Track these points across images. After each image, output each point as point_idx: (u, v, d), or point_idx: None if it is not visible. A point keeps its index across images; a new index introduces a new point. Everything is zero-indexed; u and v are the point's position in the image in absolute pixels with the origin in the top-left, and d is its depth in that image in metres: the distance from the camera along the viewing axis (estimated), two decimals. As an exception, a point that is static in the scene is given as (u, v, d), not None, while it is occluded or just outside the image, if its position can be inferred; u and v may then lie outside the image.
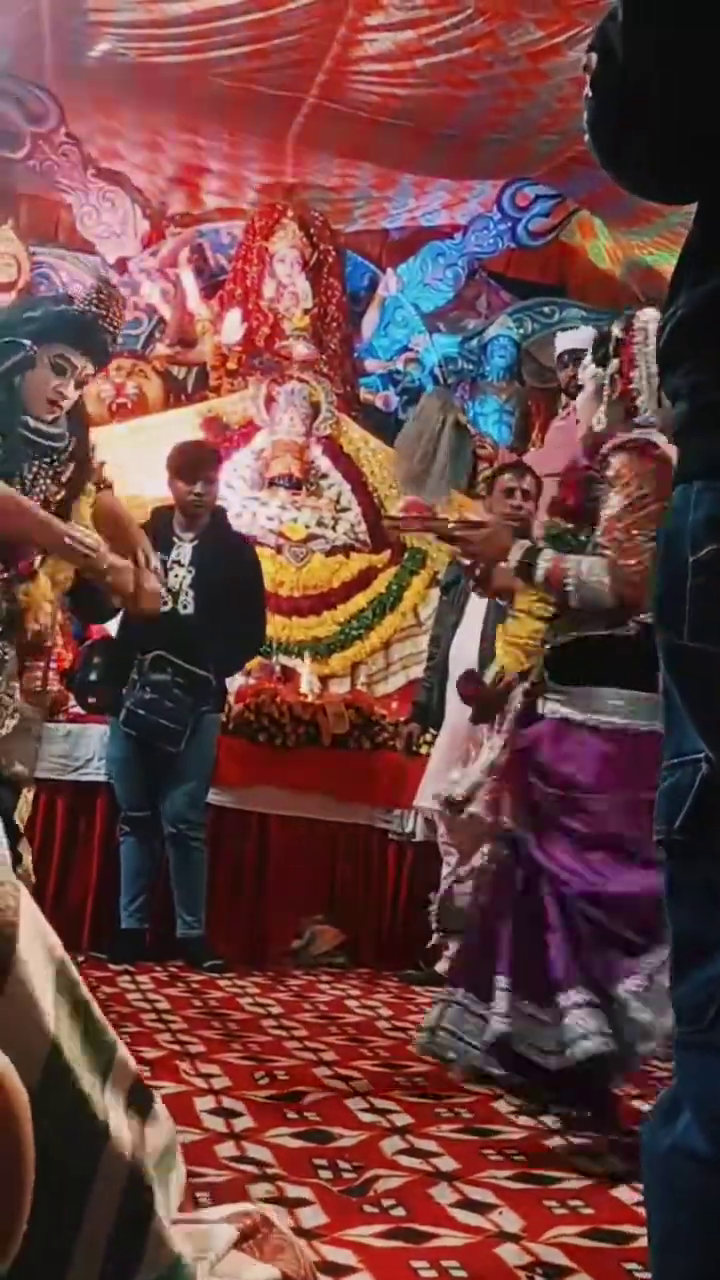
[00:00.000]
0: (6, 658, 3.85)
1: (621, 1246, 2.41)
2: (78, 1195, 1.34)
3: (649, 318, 3.43)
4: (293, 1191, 2.64)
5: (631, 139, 1.30)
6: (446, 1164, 2.90)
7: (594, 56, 1.28)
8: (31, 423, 3.86)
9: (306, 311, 7.47)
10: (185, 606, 5.30)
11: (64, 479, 3.99)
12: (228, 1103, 3.29)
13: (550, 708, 3.44)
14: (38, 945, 1.36)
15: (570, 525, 3.39)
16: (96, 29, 6.42)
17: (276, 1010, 4.55)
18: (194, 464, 5.45)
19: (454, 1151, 3.00)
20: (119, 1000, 4.49)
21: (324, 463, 7.29)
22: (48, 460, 3.96)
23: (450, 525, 3.87)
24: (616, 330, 3.50)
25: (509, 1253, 2.38)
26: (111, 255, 7.60)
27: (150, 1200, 1.42)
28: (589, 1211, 2.63)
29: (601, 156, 1.35)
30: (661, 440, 3.27)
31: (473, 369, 8.27)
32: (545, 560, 3.31)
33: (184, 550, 5.37)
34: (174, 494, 5.47)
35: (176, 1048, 3.85)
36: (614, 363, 3.44)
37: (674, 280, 1.32)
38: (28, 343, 3.80)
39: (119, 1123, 1.40)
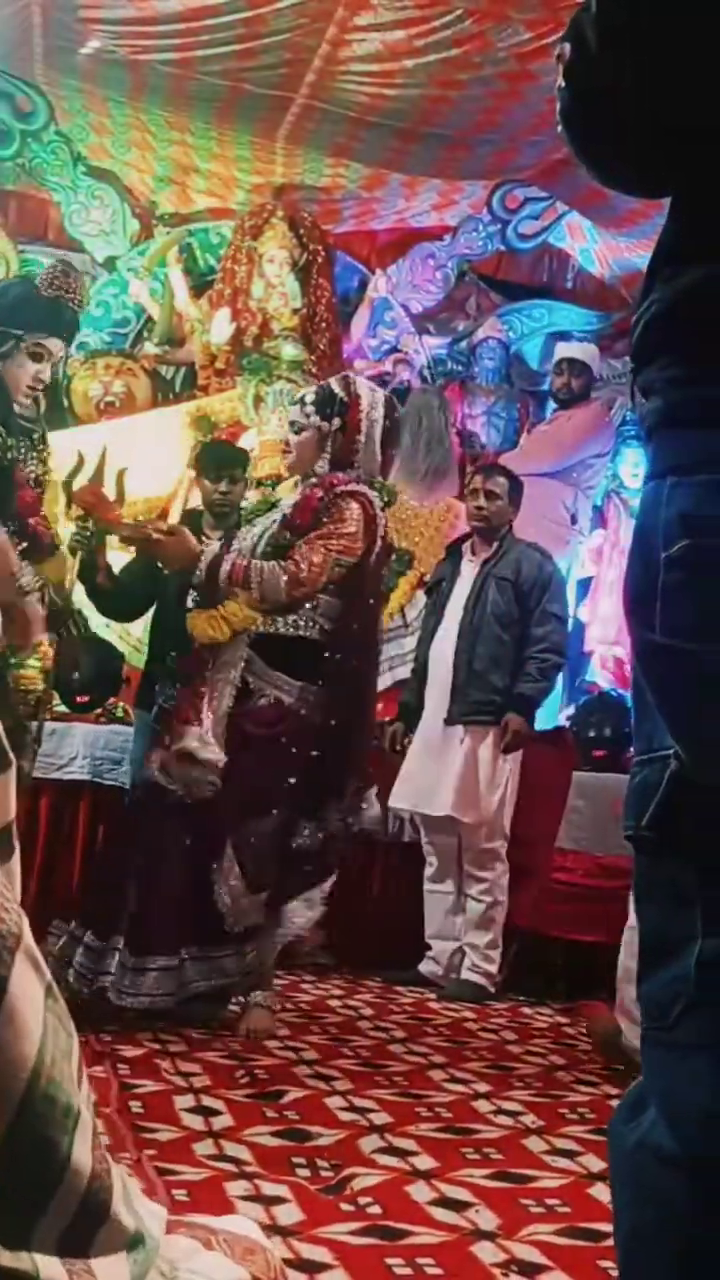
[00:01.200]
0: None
1: (597, 1244, 2.41)
2: (28, 1219, 1.36)
3: (367, 388, 4.34)
4: (270, 1189, 2.63)
5: (605, 130, 1.30)
6: (424, 1162, 2.90)
7: (567, 47, 1.27)
8: (17, 408, 4.03)
9: (295, 312, 7.45)
10: None
11: (46, 459, 4.20)
12: (207, 1101, 3.29)
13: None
14: (31, 980, 1.38)
15: (292, 539, 4.14)
16: (86, 26, 6.41)
17: (259, 1009, 4.54)
18: (218, 462, 5.44)
19: (432, 1150, 3.00)
20: (100, 999, 4.47)
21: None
22: (28, 441, 4.13)
23: (145, 530, 4.27)
24: (339, 390, 4.29)
25: (485, 1250, 2.38)
26: (100, 254, 7.59)
27: (106, 1200, 1.42)
28: (566, 1210, 2.64)
29: (576, 148, 1.34)
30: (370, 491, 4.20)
31: (462, 371, 8.27)
32: (227, 562, 4.11)
33: (211, 549, 5.34)
34: (201, 493, 5.48)
35: (157, 1046, 3.84)
36: (338, 420, 4.25)
37: (648, 276, 1.31)
38: (20, 332, 4.01)
39: (81, 1154, 1.41)
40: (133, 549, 4.45)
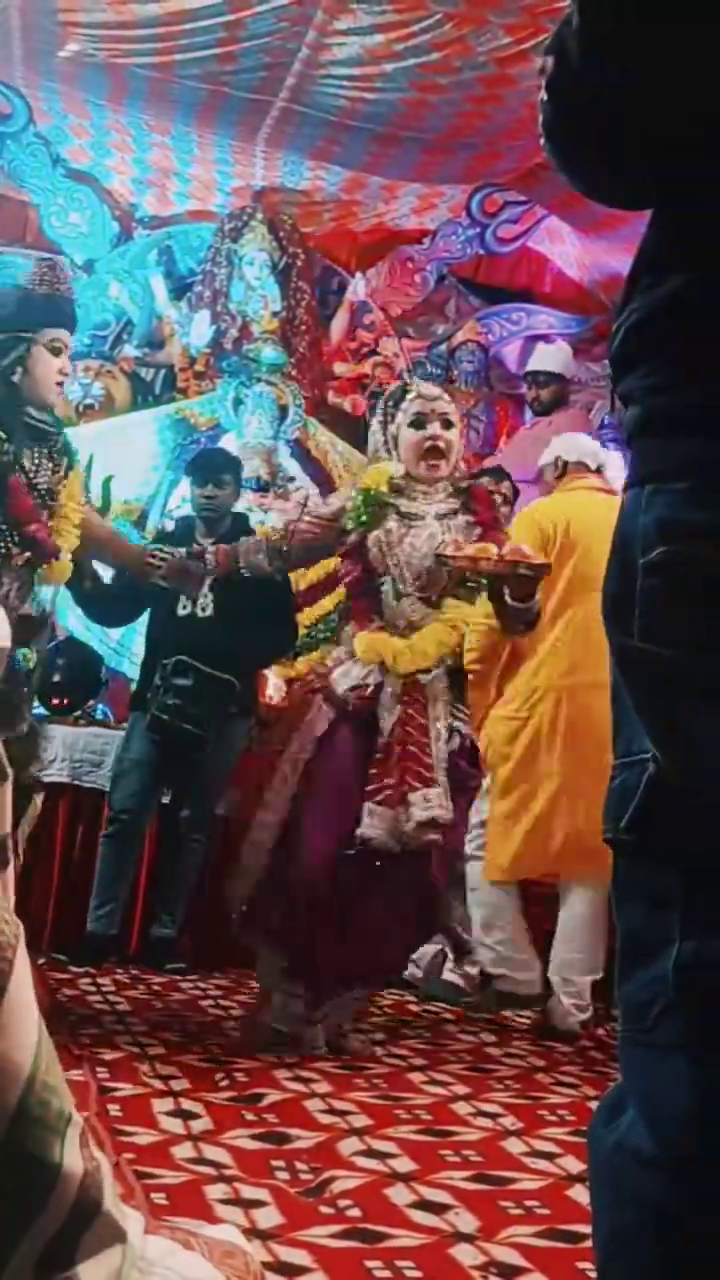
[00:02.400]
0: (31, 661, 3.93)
1: (576, 1246, 2.42)
2: (21, 1226, 1.37)
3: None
4: (249, 1193, 2.63)
5: (588, 142, 1.31)
6: (404, 1165, 2.91)
7: (549, 60, 1.28)
8: (34, 411, 4.03)
9: (275, 314, 7.46)
10: (205, 610, 5.26)
11: (60, 465, 4.13)
12: (186, 1105, 3.29)
13: None
14: (25, 988, 1.39)
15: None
16: (66, 29, 6.40)
17: (238, 1013, 4.54)
18: (204, 467, 5.46)
19: (411, 1152, 3.00)
20: (79, 1002, 4.48)
21: (292, 465, 7.29)
22: (44, 447, 4.09)
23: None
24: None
25: (464, 1253, 2.39)
26: (80, 256, 7.58)
27: (98, 1198, 1.43)
28: (545, 1212, 2.64)
29: (559, 160, 1.35)
30: None
31: (440, 374, 8.27)
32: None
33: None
34: (192, 498, 5.52)
35: (136, 1050, 3.84)
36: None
37: (628, 284, 1.32)
38: (30, 335, 4.00)
39: (72, 1158, 1.41)
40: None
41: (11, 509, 3.95)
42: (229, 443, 7.06)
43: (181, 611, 5.25)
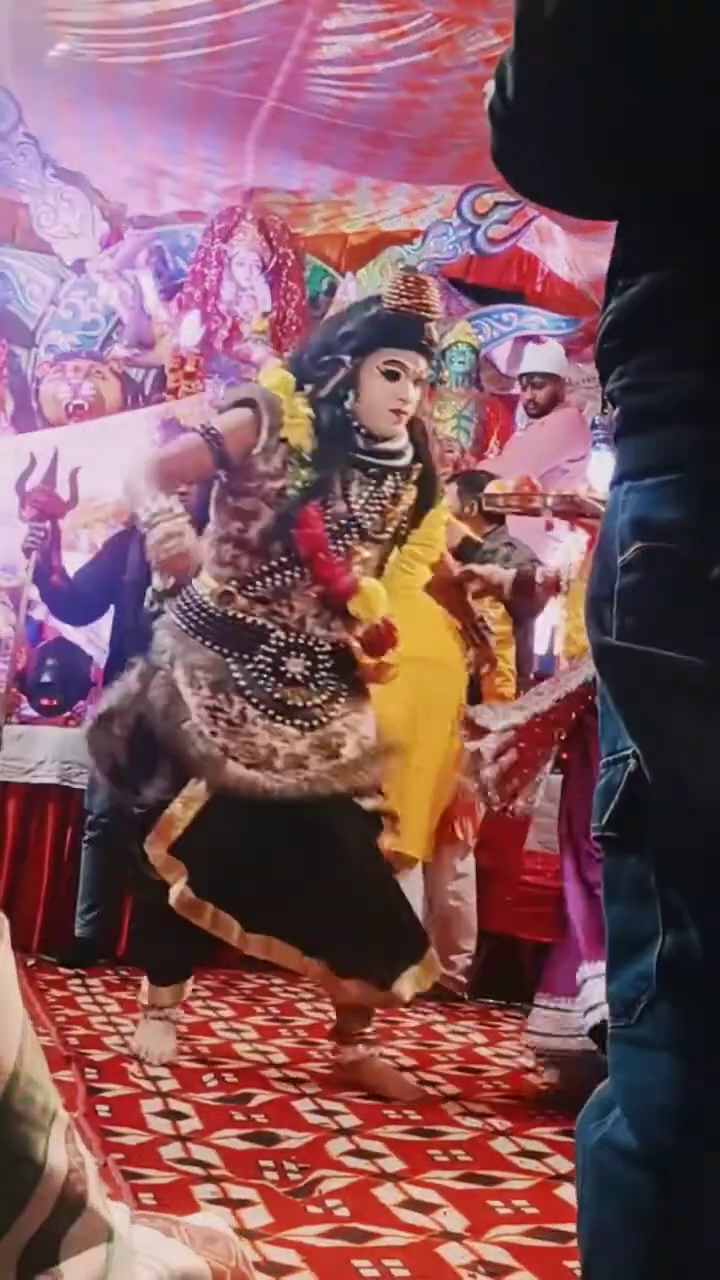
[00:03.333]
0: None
1: (564, 1245, 2.42)
2: (3, 1222, 1.36)
3: None
4: (237, 1193, 2.63)
5: (532, 165, 1.32)
6: (392, 1164, 2.91)
7: (492, 85, 1.29)
8: (362, 444, 3.67)
9: (265, 315, 7.46)
10: None
11: (400, 498, 3.78)
12: (175, 1105, 3.29)
13: None
14: (9, 982, 1.38)
15: None
16: (56, 28, 6.39)
17: (227, 1013, 4.53)
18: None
19: (400, 1152, 3.00)
20: (68, 1003, 4.47)
21: (283, 465, 7.28)
22: (382, 482, 3.74)
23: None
24: None
25: (452, 1252, 2.39)
26: (69, 256, 7.57)
27: (83, 1192, 1.42)
28: (533, 1211, 2.64)
29: (513, 184, 1.37)
30: None
31: (431, 374, 8.25)
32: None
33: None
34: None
35: (124, 1051, 3.83)
36: None
37: (606, 287, 1.34)
38: (346, 358, 3.63)
39: (57, 1154, 1.41)
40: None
41: (301, 541, 3.62)
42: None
43: (149, 608, 5.24)
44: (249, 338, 7.39)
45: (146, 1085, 3.46)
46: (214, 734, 3.54)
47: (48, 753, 5.54)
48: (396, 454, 3.74)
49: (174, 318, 7.44)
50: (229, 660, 3.62)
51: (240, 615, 3.65)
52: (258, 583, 3.65)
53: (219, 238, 7.51)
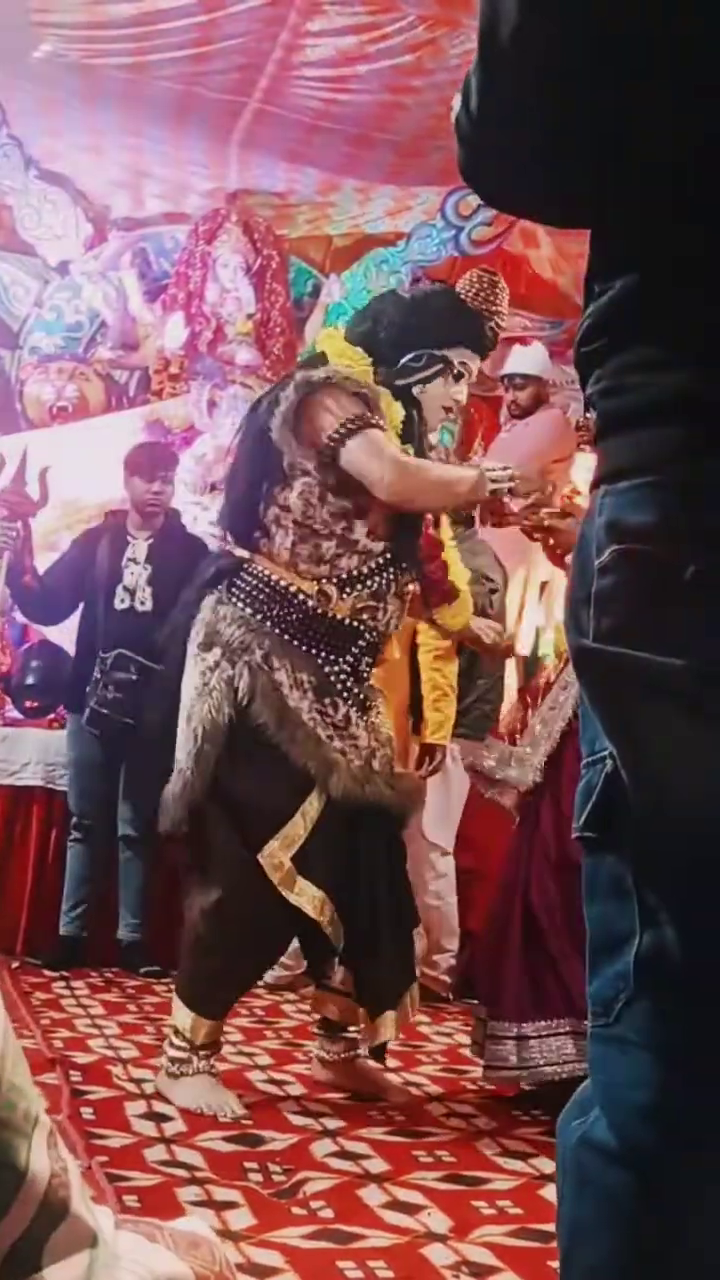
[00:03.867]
0: None
1: (548, 1245, 2.42)
2: None
3: None
4: (221, 1194, 2.63)
5: (496, 180, 1.34)
6: (376, 1166, 2.91)
7: (458, 100, 1.30)
8: (432, 438, 3.64)
9: (249, 317, 7.45)
10: (143, 604, 5.27)
11: None
12: (159, 1107, 3.28)
13: None
14: None
15: None
16: (39, 29, 6.37)
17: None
18: (152, 463, 5.45)
19: (384, 1153, 3.00)
20: (53, 1005, 4.46)
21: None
22: None
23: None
24: None
25: (436, 1253, 2.39)
26: (53, 257, 7.56)
27: (66, 1197, 1.42)
28: (517, 1211, 2.65)
29: (482, 196, 1.41)
30: None
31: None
32: None
33: (139, 548, 5.35)
34: (131, 493, 5.45)
35: (109, 1053, 3.83)
36: None
37: (585, 292, 1.36)
38: (444, 354, 3.58)
39: (39, 1160, 1.40)
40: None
41: (425, 540, 3.63)
42: (204, 444, 7.06)
43: (120, 606, 5.25)
44: (233, 339, 7.38)
45: (130, 1088, 3.45)
46: (330, 738, 3.42)
47: (32, 755, 5.54)
48: (433, 449, 3.74)
49: (158, 319, 7.43)
50: (323, 662, 3.47)
51: (336, 615, 3.48)
52: (359, 585, 3.48)
53: (203, 239, 7.50)
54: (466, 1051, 4.31)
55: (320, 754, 3.38)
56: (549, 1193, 2.75)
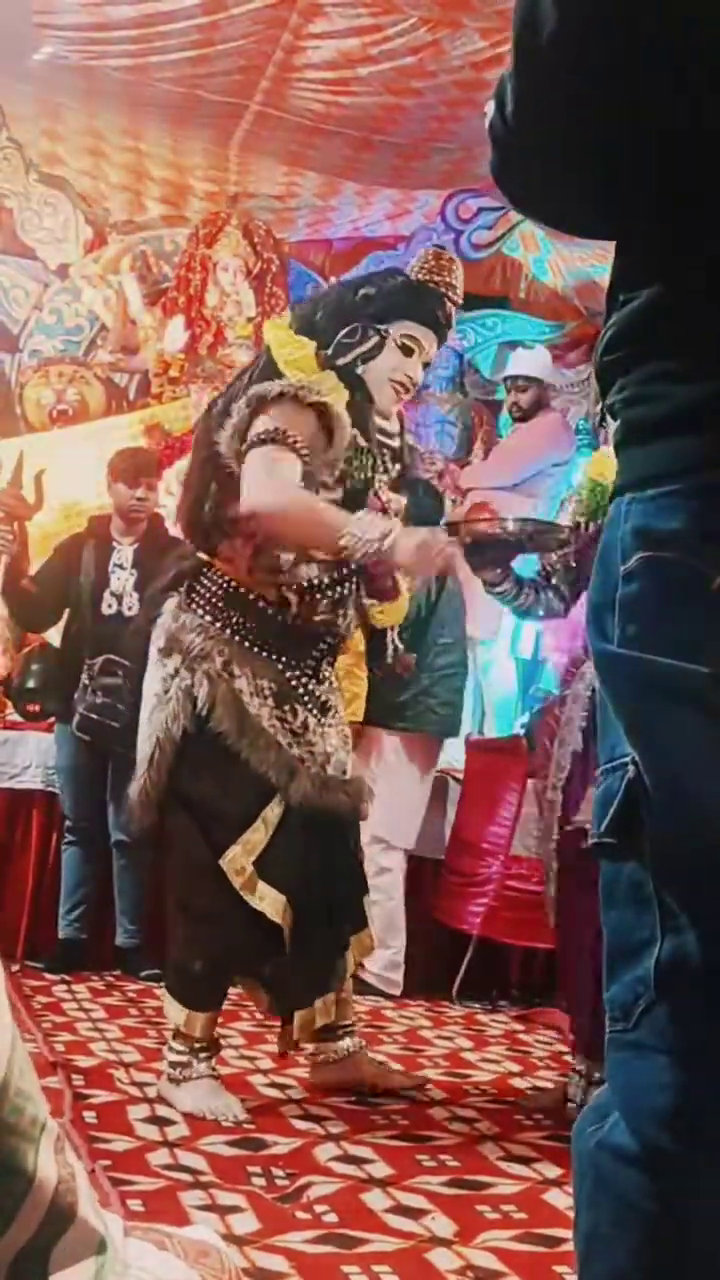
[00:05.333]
0: None
1: (553, 1250, 2.41)
2: None
3: None
4: (225, 1199, 2.62)
5: (534, 183, 1.33)
6: (380, 1170, 2.90)
7: (492, 105, 1.30)
8: (378, 419, 3.49)
9: (250, 320, 7.45)
10: (131, 609, 5.25)
11: (396, 483, 3.64)
12: (162, 1111, 3.27)
13: None
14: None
15: None
16: (40, 32, 6.38)
17: (213, 1019, 4.51)
18: (136, 469, 5.43)
19: (388, 1158, 2.99)
20: (55, 1009, 4.44)
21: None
22: (384, 463, 3.57)
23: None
24: None
25: (440, 1257, 2.38)
26: (53, 261, 7.56)
27: (73, 1202, 1.41)
28: (521, 1216, 2.64)
29: (511, 201, 1.39)
30: None
31: (414, 380, 8.26)
32: None
33: (125, 553, 5.34)
34: (115, 499, 5.43)
35: (111, 1056, 3.81)
36: None
37: (608, 300, 1.36)
38: (382, 328, 3.47)
39: (46, 1165, 1.40)
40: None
41: None
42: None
43: (107, 611, 5.24)
44: (233, 343, 7.38)
45: (134, 1091, 3.44)
46: (290, 745, 3.42)
47: (32, 758, 5.52)
48: (393, 435, 3.60)
49: (158, 323, 7.43)
50: (284, 668, 3.47)
51: (300, 623, 3.47)
52: (319, 593, 3.46)
53: (203, 243, 7.50)
54: (469, 1055, 4.31)
55: (280, 761, 3.38)
56: (553, 1197, 2.74)
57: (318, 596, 3.46)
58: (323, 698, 3.55)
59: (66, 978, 5.01)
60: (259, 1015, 4.64)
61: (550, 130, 1.23)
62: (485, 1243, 2.47)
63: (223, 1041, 4.06)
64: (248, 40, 6.17)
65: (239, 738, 3.36)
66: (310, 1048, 3.67)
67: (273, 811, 3.38)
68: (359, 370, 3.46)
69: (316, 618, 3.47)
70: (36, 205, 7.44)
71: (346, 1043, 3.64)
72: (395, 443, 3.60)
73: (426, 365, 3.60)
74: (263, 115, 6.80)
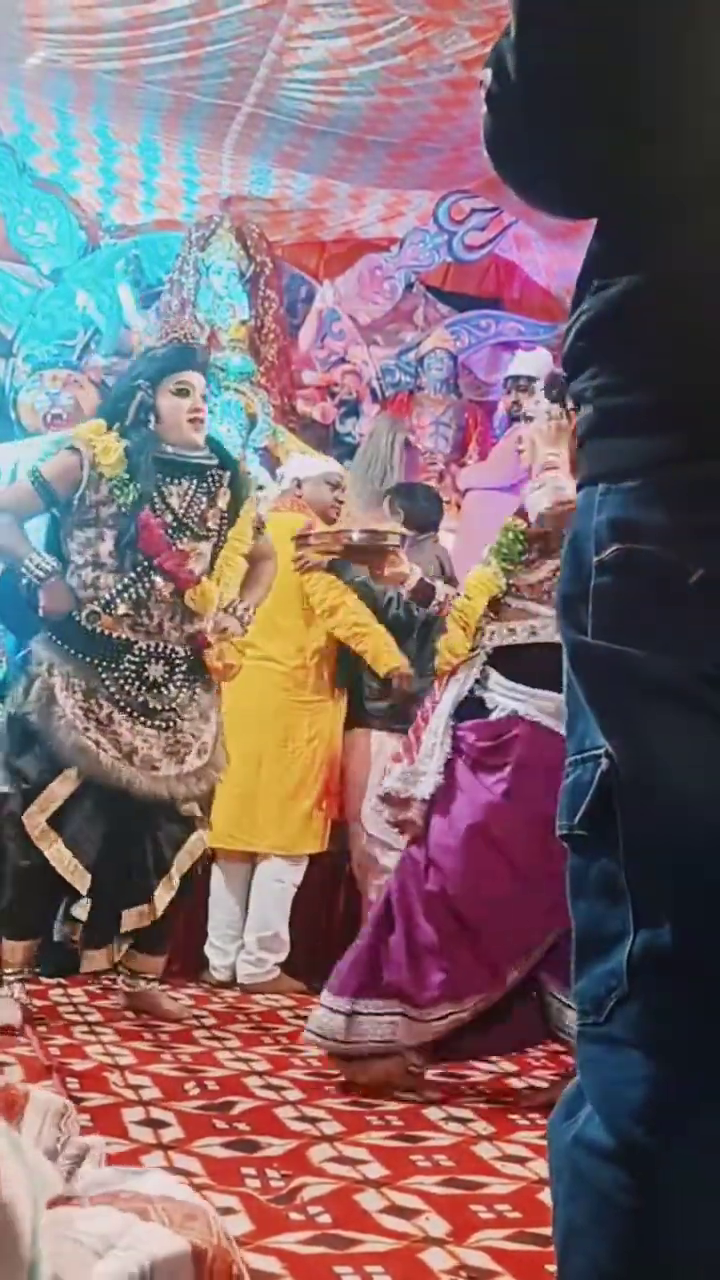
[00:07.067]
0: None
1: (547, 1249, 2.38)
2: None
3: None
4: (219, 1200, 2.60)
5: (526, 154, 1.31)
6: (375, 1171, 2.89)
7: (489, 73, 1.28)
8: (170, 448, 4.30)
9: (243, 323, 7.44)
10: None
11: (217, 496, 4.40)
12: (156, 1114, 3.26)
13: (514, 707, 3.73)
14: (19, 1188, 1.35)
15: None
16: (32, 36, 6.38)
17: (210, 1021, 4.51)
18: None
19: (382, 1158, 2.98)
20: (50, 1013, 4.43)
21: (261, 474, 7.26)
22: (194, 479, 4.36)
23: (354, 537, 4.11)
24: None
25: (434, 1257, 2.37)
26: (46, 265, 7.55)
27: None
28: (516, 1215, 2.63)
29: (499, 173, 1.36)
30: None
31: (410, 381, 8.28)
32: None
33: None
34: None
35: (106, 1059, 3.80)
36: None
37: (579, 286, 1.33)
38: (140, 383, 4.32)
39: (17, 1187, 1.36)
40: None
41: (143, 544, 4.22)
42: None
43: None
44: (227, 346, 7.37)
45: (128, 1094, 3.43)
46: (86, 729, 4.14)
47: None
48: (203, 458, 4.37)
49: (152, 326, 7.42)
50: (99, 669, 4.19)
51: (106, 631, 4.23)
52: (118, 599, 4.21)
53: (196, 246, 7.50)
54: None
55: (72, 740, 4.12)
56: (547, 1196, 2.71)
57: (118, 601, 4.22)
58: (144, 700, 4.23)
59: (62, 981, 4.99)
60: (255, 1018, 4.64)
61: (558, 84, 1.22)
62: (479, 1242, 2.46)
63: (220, 1045, 4.07)
64: (239, 41, 6.17)
65: (44, 721, 4.14)
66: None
67: (67, 780, 4.14)
68: (149, 424, 4.28)
69: (123, 620, 4.23)
70: (30, 210, 7.43)
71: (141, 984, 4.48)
72: (210, 463, 4.39)
73: (205, 398, 4.43)
74: (255, 116, 6.80)
